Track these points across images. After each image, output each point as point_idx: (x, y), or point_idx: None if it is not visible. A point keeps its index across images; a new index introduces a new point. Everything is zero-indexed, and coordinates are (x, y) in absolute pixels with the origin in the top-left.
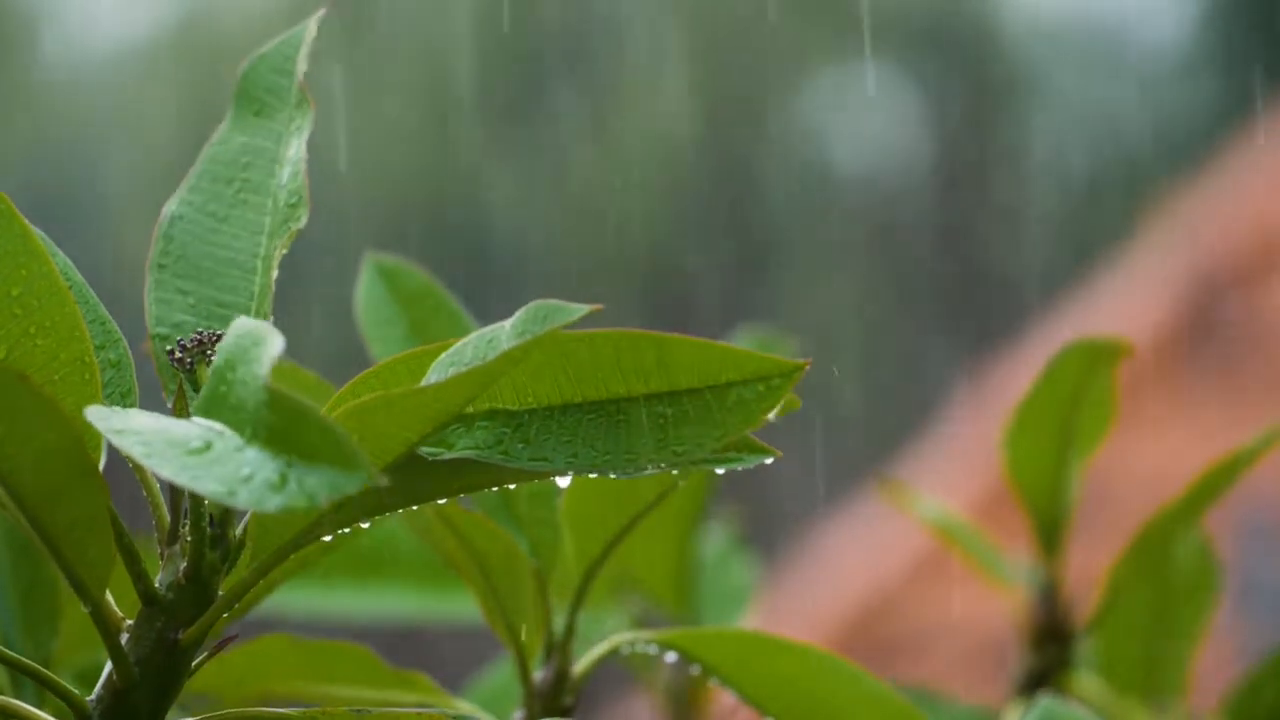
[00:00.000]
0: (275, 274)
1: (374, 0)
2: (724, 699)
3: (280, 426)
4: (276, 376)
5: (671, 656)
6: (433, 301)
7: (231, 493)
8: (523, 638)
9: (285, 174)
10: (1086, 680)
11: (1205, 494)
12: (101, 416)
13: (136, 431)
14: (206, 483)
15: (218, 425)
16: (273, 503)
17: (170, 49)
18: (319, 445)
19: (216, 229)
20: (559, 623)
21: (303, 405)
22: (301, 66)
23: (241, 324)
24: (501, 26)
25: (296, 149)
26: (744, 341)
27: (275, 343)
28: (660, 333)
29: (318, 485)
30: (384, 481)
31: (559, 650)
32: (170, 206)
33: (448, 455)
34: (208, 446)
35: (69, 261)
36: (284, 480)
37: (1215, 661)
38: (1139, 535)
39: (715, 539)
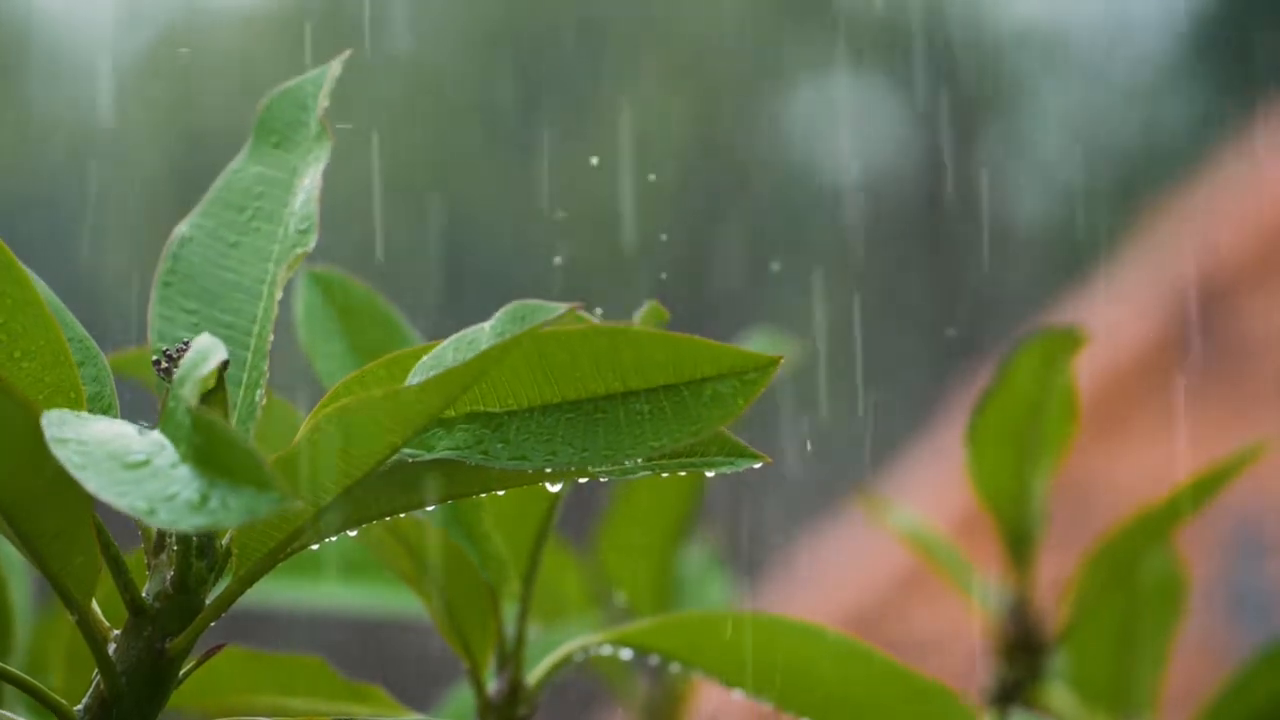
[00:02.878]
0: (279, 296)
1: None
2: (702, 712)
3: (203, 446)
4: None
5: (652, 676)
6: (372, 313)
7: (152, 511)
8: (475, 649)
9: (298, 201)
10: (1057, 692)
11: (1177, 509)
12: (53, 421)
13: (81, 440)
14: (130, 499)
15: (163, 439)
16: (189, 522)
17: (154, 59)
18: (236, 465)
19: (226, 253)
20: (510, 633)
21: (219, 425)
22: (323, 103)
23: (199, 340)
24: (484, 33)
25: (312, 178)
26: (757, 343)
27: (213, 360)
28: (634, 328)
29: (234, 506)
30: (297, 504)
31: (511, 661)
32: (181, 228)
33: (428, 456)
34: (146, 462)
35: (47, 288)
36: (204, 500)
37: (1204, 672)
38: (1102, 548)
39: (695, 559)
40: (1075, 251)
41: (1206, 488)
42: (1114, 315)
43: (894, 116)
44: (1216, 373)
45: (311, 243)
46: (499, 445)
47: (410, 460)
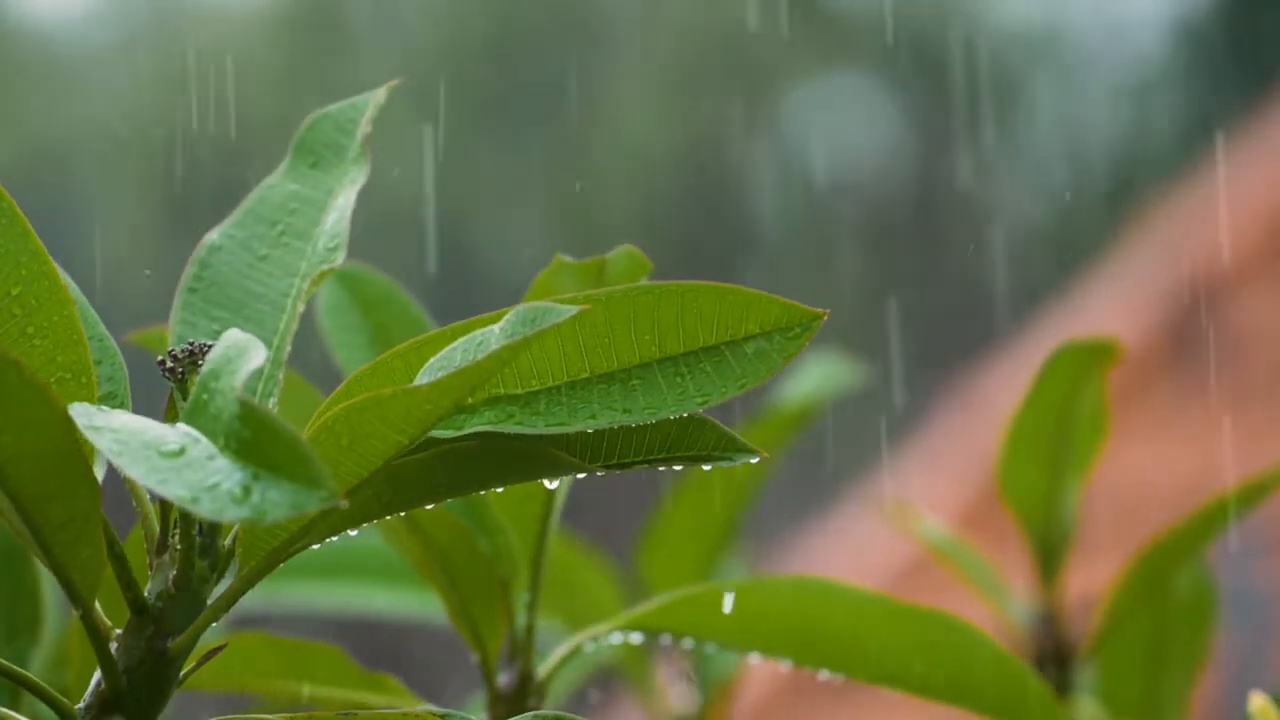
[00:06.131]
0: (302, 308)
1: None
2: None
3: (250, 439)
4: (286, 388)
5: (682, 687)
6: (394, 307)
7: (195, 499)
8: (487, 639)
9: (330, 219)
10: (1086, 705)
11: (1211, 524)
12: (83, 412)
13: (114, 429)
14: (172, 487)
15: (195, 432)
16: (231, 514)
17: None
18: (285, 460)
19: (254, 265)
20: (520, 624)
21: (272, 419)
22: (365, 129)
23: (231, 335)
24: (479, 35)
25: (346, 198)
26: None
27: (256, 356)
28: (681, 283)
29: (279, 501)
30: (344, 504)
31: (521, 652)
32: (211, 236)
33: (454, 435)
34: (181, 451)
35: (70, 280)
36: (247, 493)
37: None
38: (1138, 562)
39: (731, 571)
40: (1073, 249)
41: (1243, 501)
42: (1108, 313)
43: (886, 115)
44: (1214, 370)
45: (339, 259)
46: (533, 417)
47: (441, 439)
